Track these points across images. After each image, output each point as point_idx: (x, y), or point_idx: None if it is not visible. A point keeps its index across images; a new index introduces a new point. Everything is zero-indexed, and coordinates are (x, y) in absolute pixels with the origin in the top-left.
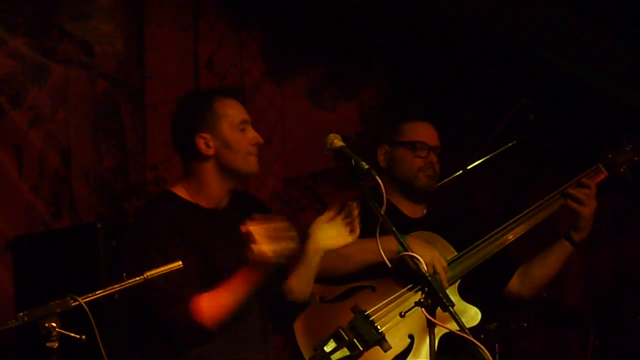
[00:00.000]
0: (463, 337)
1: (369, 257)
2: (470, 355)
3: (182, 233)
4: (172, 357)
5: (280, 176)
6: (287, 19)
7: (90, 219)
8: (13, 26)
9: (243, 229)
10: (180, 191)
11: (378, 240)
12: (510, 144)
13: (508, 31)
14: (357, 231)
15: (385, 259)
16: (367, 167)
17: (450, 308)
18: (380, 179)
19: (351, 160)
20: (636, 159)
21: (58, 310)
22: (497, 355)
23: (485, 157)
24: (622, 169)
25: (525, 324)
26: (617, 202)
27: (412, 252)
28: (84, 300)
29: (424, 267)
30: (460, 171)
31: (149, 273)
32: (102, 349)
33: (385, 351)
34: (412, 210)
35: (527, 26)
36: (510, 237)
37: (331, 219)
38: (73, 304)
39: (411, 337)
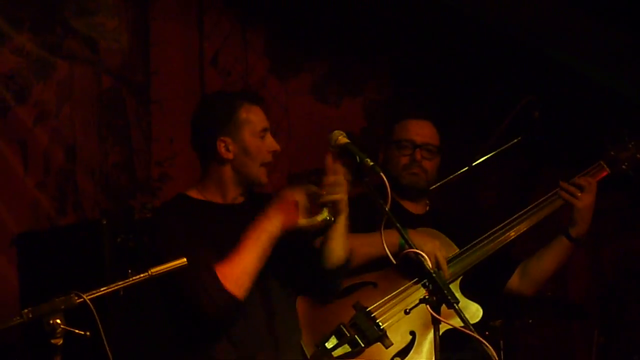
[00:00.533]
0: (468, 333)
1: (371, 251)
2: (472, 352)
3: (198, 228)
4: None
5: (285, 172)
6: (292, 15)
7: (95, 215)
8: (18, 22)
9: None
10: (194, 193)
11: (382, 234)
12: (514, 141)
13: (513, 27)
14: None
15: (390, 255)
16: (371, 163)
17: (455, 305)
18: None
19: (356, 156)
20: (638, 156)
21: (62, 307)
22: (501, 352)
23: (490, 154)
24: (624, 166)
25: (530, 321)
26: (621, 199)
27: (415, 247)
28: (89, 297)
29: (429, 264)
30: (466, 167)
31: (153, 270)
32: (106, 346)
33: (386, 348)
34: (414, 206)
35: (533, 23)
36: (512, 234)
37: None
38: (77, 301)
39: (412, 333)
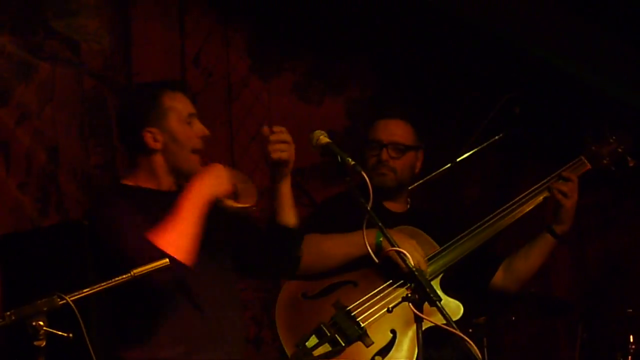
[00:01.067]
0: (451, 331)
1: (351, 251)
2: (454, 350)
3: (137, 212)
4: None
5: (267, 172)
6: (274, 14)
7: (78, 216)
8: None
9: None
10: (132, 182)
11: (365, 234)
12: (496, 137)
13: (494, 25)
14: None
15: (372, 253)
16: (353, 163)
17: (437, 303)
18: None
19: (337, 156)
20: (620, 150)
21: (45, 308)
22: (485, 349)
23: (472, 151)
24: (605, 161)
25: (513, 317)
26: (604, 195)
27: (397, 246)
28: (71, 299)
29: (410, 262)
30: (448, 164)
31: (136, 271)
32: (89, 347)
33: (367, 346)
34: (394, 205)
35: (513, 19)
36: (494, 230)
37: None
38: (60, 302)
39: (393, 332)
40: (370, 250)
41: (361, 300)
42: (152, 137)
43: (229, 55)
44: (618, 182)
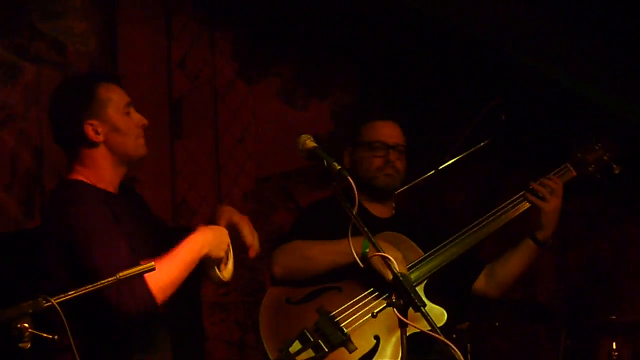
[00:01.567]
0: (435, 337)
1: (335, 258)
2: (438, 355)
3: (108, 217)
4: None
5: (252, 176)
6: (259, 18)
7: None
8: None
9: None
10: (85, 178)
11: (350, 240)
12: (482, 144)
13: (479, 30)
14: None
15: (358, 259)
16: (339, 167)
17: (422, 308)
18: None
19: (323, 160)
20: (605, 158)
21: (30, 310)
22: (469, 355)
23: (457, 157)
24: (590, 168)
25: (497, 323)
26: (588, 202)
27: (382, 251)
28: (57, 301)
29: (396, 267)
30: (432, 171)
31: (121, 274)
32: (74, 349)
33: (350, 352)
34: (379, 210)
35: (498, 25)
36: (478, 237)
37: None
38: (45, 305)
39: (377, 338)
40: (355, 255)
41: (345, 306)
42: (93, 129)
43: (215, 59)
44: (602, 189)
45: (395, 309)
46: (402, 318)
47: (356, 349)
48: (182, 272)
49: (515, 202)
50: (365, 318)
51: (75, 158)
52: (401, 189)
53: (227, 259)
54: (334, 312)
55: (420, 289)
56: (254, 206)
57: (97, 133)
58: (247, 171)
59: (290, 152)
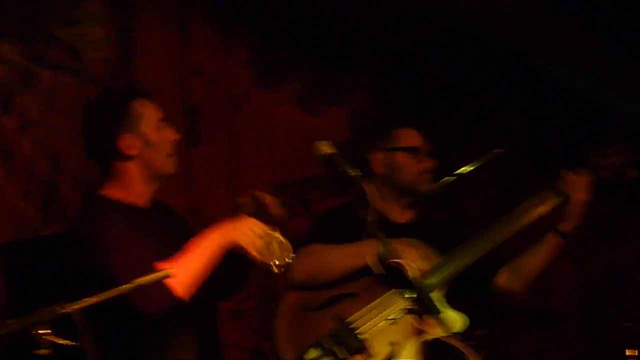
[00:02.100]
0: (452, 343)
1: (351, 262)
2: None
3: (129, 231)
4: None
5: (269, 183)
6: (276, 25)
7: None
8: (2, 32)
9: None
10: (112, 194)
11: (366, 245)
12: (497, 151)
13: (495, 37)
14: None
15: (373, 265)
16: (354, 174)
17: (438, 315)
18: (374, 185)
19: (340, 167)
20: (619, 162)
21: (48, 317)
22: None
23: (472, 164)
24: (604, 173)
25: (514, 330)
26: (607, 208)
27: (398, 257)
28: (74, 308)
29: (412, 274)
30: (447, 178)
31: (138, 280)
32: (92, 357)
33: (367, 359)
34: (399, 216)
35: (515, 32)
36: (497, 240)
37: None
38: (63, 311)
39: (393, 344)
40: (371, 262)
41: (361, 312)
42: (127, 144)
43: (231, 66)
44: (620, 195)
45: (412, 316)
46: (419, 325)
47: (372, 355)
48: (198, 269)
49: (536, 201)
50: (381, 324)
51: (107, 172)
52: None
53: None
54: (349, 319)
55: (439, 294)
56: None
57: (130, 147)
58: (264, 178)
59: (307, 159)
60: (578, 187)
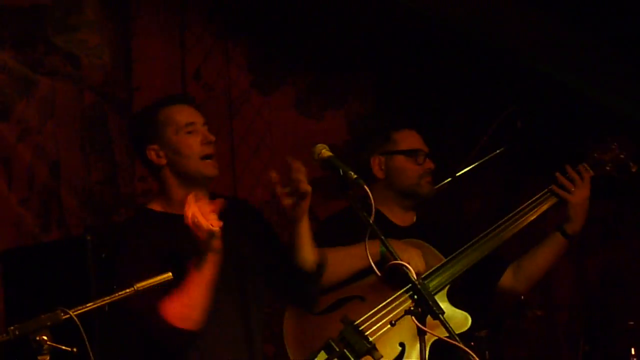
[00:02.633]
0: (453, 344)
1: (354, 263)
2: None
3: (156, 246)
4: None
5: (268, 186)
6: (274, 29)
7: (79, 232)
8: (0, 40)
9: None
10: (155, 205)
11: (367, 246)
12: (498, 151)
13: (494, 39)
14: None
15: (375, 267)
16: (355, 176)
17: (440, 316)
18: (374, 188)
19: (339, 170)
20: (622, 156)
21: (49, 323)
22: None
23: (474, 164)
24: (608, 167)
25: (514, 331)
26: (605, 208)
27: (398, 259)
28: (75, 313)
29: (413, 275)
30: (449, 178)
31: (138, 285)
32: None
33: None
34: (402, 218)
35: (513, 34)
36: (498, 240)
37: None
38: (63, 317)
39: (402, 345)
40: (372, 263)
41: (369, 314)
42: (155, 154)
43: (229, 71)
44: (619, 194)
45: (413, 317)
46: (421, 326)
47: (382, 356)
48: (198, 293)
49: (535, 204)
50: (387, 327)
51: (155, 183)
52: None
53: None
54: (358, 321)
55: (443, 294)
56: (271, 217)
57: (158, 157)
58: (263, 182)
59: (306, 162)
60: (577, 187)
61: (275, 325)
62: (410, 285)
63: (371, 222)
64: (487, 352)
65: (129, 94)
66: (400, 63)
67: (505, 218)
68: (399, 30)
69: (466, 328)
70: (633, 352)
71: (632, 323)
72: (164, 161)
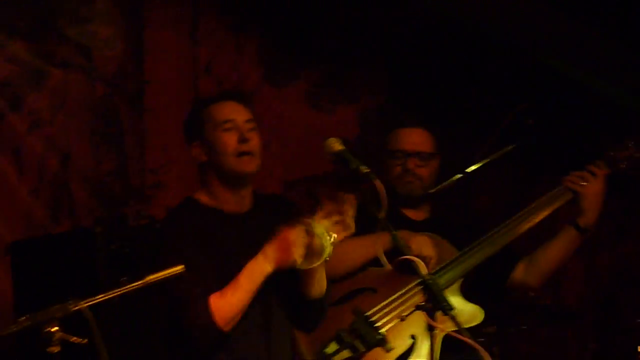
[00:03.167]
0: (462, 339)
1: (364, 252)
2: (473, 354)
3: (200, 239)
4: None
5: (280, 180)
6: (286, 22)
7: (89, 223)
8: (12, 31)
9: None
10: (201, 197)
11: (378, 238)
12: (509, 148)
13: (507, 34)
14: (352, 227)
15: (384, 260)
16: (366, 170)
17: (449, 312)
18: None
19: (351, 163)
20: (637, 155)
21: (59, 314)
22: (497, 359)
23: (485, 161)
24: (622, 165)
25: (524, 327)
26: (616, 204)
27: (409, 254)
28: (85, 305)
29: (423, 270)
30: (460, 175)
31: (150, 277)
32: (102, 353)
33: (387, 352)
34: (414, 213)
35: (527, 29)
36: (512, 235)
37: (324, 217)
38: (74, 309)
39: (413, 337)
40: (381, 257)
41: (380, 305)
42: (197, 150)
43: (241, 64)
44: (630, 190)
45: (424, 312)
46: (431, 321)
47: (393, 348)
48: (245, 301)
49: (551, 197)
50: (396, 320)
51: (201, 178)
52: (431, 191)
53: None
54: (369, 312)
55: (456, 288)
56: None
57: (200, 154)
58: (275, 175)
59: (318, 156)
60: (590, 180)
61: None
62: (420, 280)
63: (381, 216)
64: (495, 348)
65: (140, 86)
66: (413, 58)
67: (520, 213)
68: (412, 25)
69: (479, 321)
70: None
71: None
72: (205, 158)
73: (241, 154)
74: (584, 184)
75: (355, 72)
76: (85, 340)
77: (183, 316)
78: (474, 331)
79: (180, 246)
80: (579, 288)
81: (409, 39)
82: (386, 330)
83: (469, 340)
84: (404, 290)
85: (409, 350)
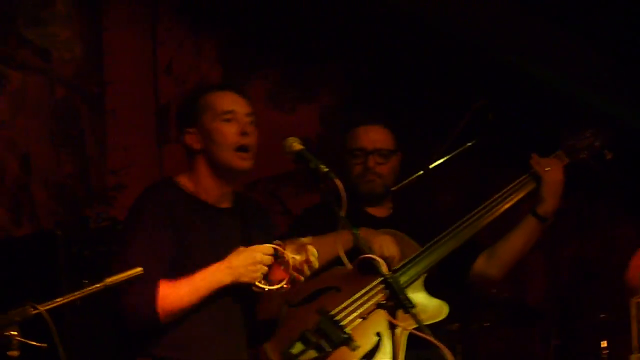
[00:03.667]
0: (424, 337)
1: (329, 253)
2: (435, 351)
3: (171, 220)
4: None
5: (242, 180)
6: (245, 21)
7: (50, 226)
8: None
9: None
10: (183, 180)
11: (339, 237)
12: (469, 144)
13: (467, 31)
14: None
15: (346, 260)
16: (326, 169)
17: (410, 310)
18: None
19: (310, 163)
20: (597, 144)
21: (18, 318)
22: (459, 356)
23: (446, 157)
24: (583, 155)
25: (487, 324)
26: (578, 199)
27: (369, 252)
28: (44, 308)
29: (384, 269)
30: (421, 171)
31: (109, 280)
32: (62, 357)
33: (352, 350)
34: (377, 210)
35: (483, 27)
36: (473, 229)
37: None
38: (33, 312)
39: (378, 334)
40: (342, 256)
41: (344, 304)
42: (191, 137)
43: (200, 64)
44: (592, 185)
45: (385, 311)
46: (392, 319)
47: (358, 347)
48: (193, 301)
49: (513, 189)
50: (359, 320)
51: (188, 164)
52: (393, 189)
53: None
54: (334, 312)
55: (420, 283)
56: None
57: (194, 141)
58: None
59: (278, 156)
60: (552, 167)
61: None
62: (381, 279)
63: (342, 215)
64: (458, 346)
65: (100, 88)
66: (373, 56)
67: (482, 206)
68: (372, 23)
69: (444, 316)
70: (604, 345)
71: (603, 316)
72: (199, 146)
73: (239, 148)
74: (548, 169)
75: (315, 71)
76: (45, 344)
77: (128, 289)
78: (437, 328)
79: (147, 220)
80: (541, 284)
81: (368, 37)
82: (351, 329)
83: (431, 338)
84: (366, 289)
85: (375, 348)
